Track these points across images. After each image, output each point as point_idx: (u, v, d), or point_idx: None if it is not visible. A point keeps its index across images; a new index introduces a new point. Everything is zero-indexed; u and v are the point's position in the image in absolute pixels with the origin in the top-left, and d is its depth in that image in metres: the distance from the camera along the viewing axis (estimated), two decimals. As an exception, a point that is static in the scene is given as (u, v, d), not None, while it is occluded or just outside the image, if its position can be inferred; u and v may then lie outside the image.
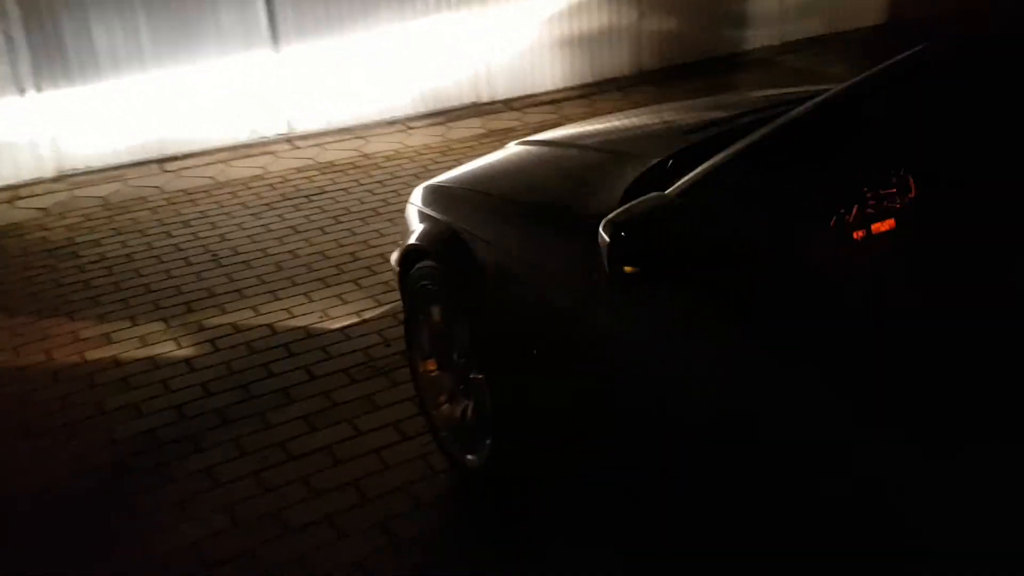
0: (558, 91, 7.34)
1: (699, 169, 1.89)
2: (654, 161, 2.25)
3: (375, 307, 4.06)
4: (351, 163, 6.04)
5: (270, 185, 5.73)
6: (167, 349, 3.83)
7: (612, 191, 2.26)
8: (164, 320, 4.08)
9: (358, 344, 3.76)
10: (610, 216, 1.79)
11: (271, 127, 6.53)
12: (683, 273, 1.78)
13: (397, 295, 4.06)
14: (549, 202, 2.51)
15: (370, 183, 5.66)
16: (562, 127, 3.42)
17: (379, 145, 6.36)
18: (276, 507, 2.86)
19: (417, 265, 2.84)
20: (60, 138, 5.95)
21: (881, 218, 1.85)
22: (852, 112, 1.89)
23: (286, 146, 6.43)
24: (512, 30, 7.08)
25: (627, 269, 1.76)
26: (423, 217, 2.91)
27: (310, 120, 6.62)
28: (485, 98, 7.14)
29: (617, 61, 7.57)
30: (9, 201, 5.64)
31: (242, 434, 3.24)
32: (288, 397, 3.44)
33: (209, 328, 3.98)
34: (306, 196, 5.50)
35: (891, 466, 1.65)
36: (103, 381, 3.63)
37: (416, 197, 3.04)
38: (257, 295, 4.26)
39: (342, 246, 4.75)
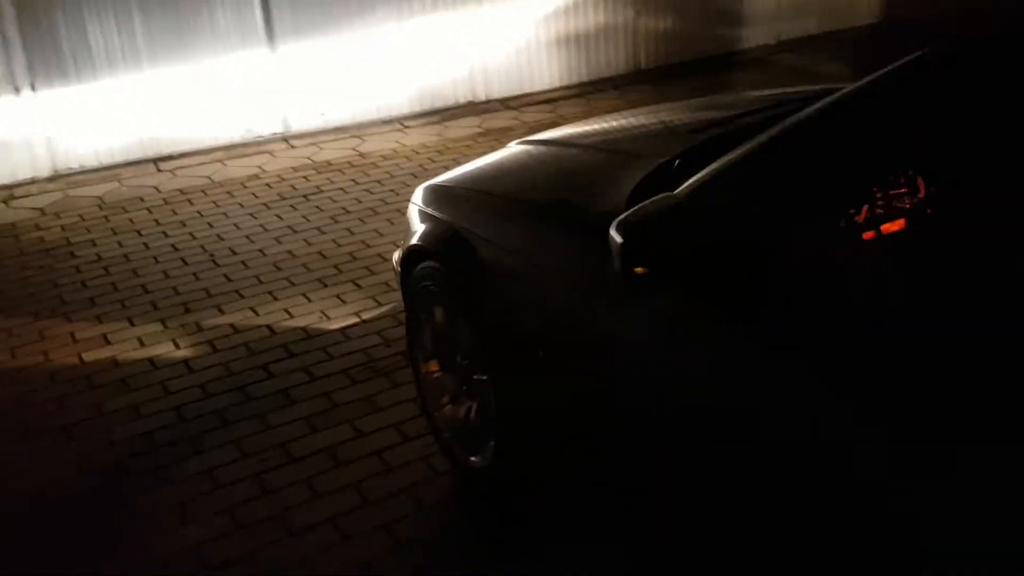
0: (554, 90, 7.33)
1: (708, 169, 1.88)
2: (660, 161, 2.24)
3: (375, 307, 4.04)
4: (348, 162, 6.02)
5: (267, 184, 5.71)
6: (165, 350, 3.81)
7: (618, 191, 2.24)
8: (162, 321, 4.05)
9: (358, 344, 3.74)
10: (622, 217, 1.78)
11: (267, 126, 6.51)
12: (694, 274, 1.77)
13: (397, 295, 4.05)
14: (554, 201, 2.50)
15: (367, 182, 5.63)
16: (562, 126, 3.41)
17: (376, 144, 6.35)
18: (278, 509, 2.85)
19: (419, 266, 2.82)
20: (55, 137, 5.92)
21: (891, 218, 1.85)
22: (861, 113, 1.88)
23: (282, 145, 6.41)
24: (508, 29, 7.06)
25: (637, 270, 1.75)
26: (425, 217, 2.89)
27: (306, 119, 6.60)
28: (481, 97, 7.12)
29: (613, 60, 7.56)
30: (4, 201, 5.61)
31: (242, 436, 3.22)
32: (288, 398, 3.42)
33: (207, 328, 3.96)
34: (303, 195, 5.48)
35: (896, 466, 1.64)
36: (101, 382, 3.61)
37: (418, 197, 3.02)
38: (255, 295, 4.24)
39: (340, 246, 4.73)
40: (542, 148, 3.05)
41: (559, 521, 2.71)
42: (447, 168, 5.67)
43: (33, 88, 5.77)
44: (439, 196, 2.92)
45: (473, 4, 6.87)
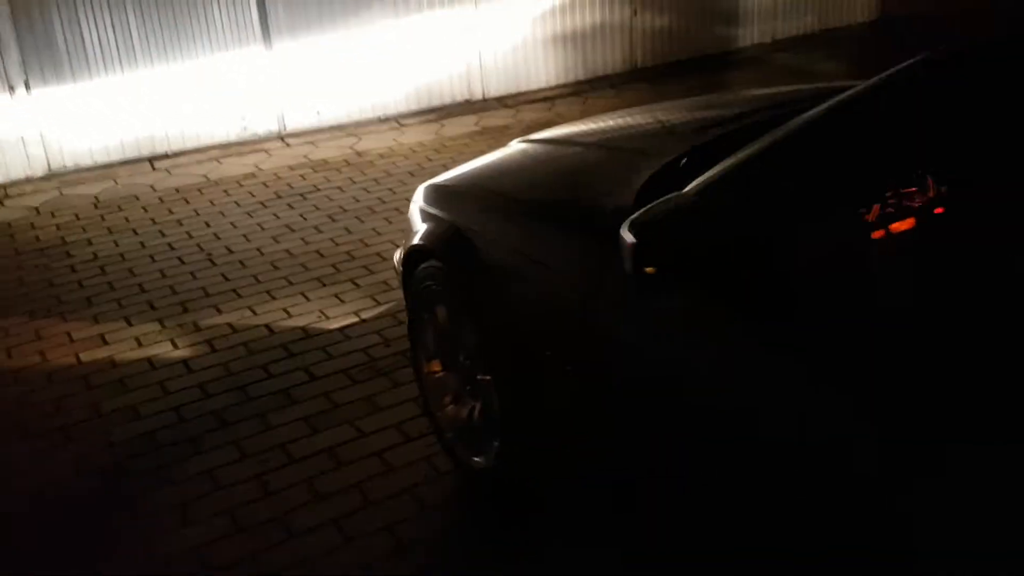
0: (551, 88, 7.32)
1: (718, 168, 1.87)
2: (667, 159, 2.22)
3: (374, 306, 4.02)
4: (345, 160, 5.99)
5: (263, 183, 5.68)
6: (163, 350, 3.78)
7: (624, 189, 2.23)
8: (159, 320, 4.03)
9: (358, 344, 3.72)
10: (634, 216, 1.77)
11: (263, 124, 6.48)
12: (706, 273, 1.76)
13: (396, 294, 4.04)
14: (559, 200, 2.48)
15: (364, 181, 5.61)
16: (563, 125, 3.39)
17: (372, 142, 6.32)
18: (279, 511, 2.82)
19: (422, 265, 2.80)
20: (50, 136, 5.89)
21: (901, 217, 1.84)
22: (873, 112, 1.87)
23: (278, 143, 6.38)
24: (505, 27, 7.05)
25: (648, 270, 1.73)
26: (427, 216, 2.87)
27: (302, 117, 6.58)
28: (478, 95, 7.10)
29: (610, 58, 7.55)
30: (-1, 200, 5.59)
31: (242, 436, 3.19)
32: (288, 398, 3.40)
33: (205, 328, 3.93)
34: (300, 194, 5.45)
35: (900, 465, 1.64)
36: (99, 382, 3.58)
37: (419, 196, 3.00)
38: (253, 294, 4.22)
39: (338, 244, 4.71)
40: (544, 147, 3.03)
41: (562, 522, 2.70)
42: (444, 166, 5.67)
43: (27, 86, 5.73)
44: (441, 195, 2.91)
45: (469, 2, 6.85)
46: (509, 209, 2.60)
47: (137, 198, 5.52)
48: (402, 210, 5.07)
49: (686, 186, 1.96)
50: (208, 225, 5.07)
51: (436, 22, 6.78)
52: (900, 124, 1.85)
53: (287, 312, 4.03)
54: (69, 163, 5.97)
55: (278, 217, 5.12)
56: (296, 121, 6.56)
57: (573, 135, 3.11)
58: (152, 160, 6.11)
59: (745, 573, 2.01)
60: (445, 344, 2.86)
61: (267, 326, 3.91)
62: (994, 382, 1.58)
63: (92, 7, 5.79)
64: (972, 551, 1.57)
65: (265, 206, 5.30)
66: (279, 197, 5.43)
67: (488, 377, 2.57)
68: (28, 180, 5.83)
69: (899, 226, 1.84)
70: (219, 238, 4.88)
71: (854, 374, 1.67)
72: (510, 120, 6.69)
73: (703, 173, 1.98)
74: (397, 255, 3.12)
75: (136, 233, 5.01)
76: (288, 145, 6.35)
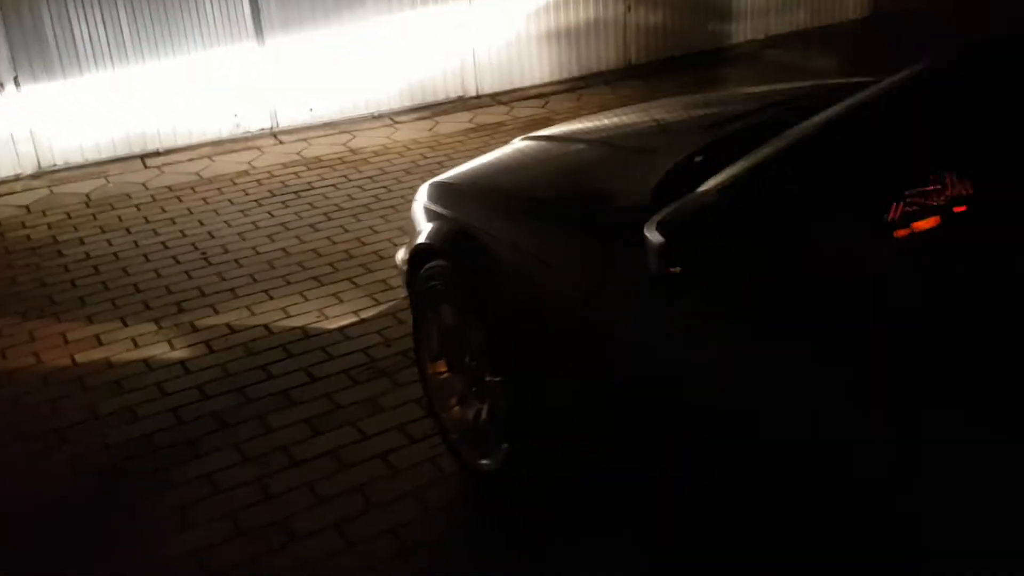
0: (545, 85, 7.28)
1: (738, 167, 1.84)
2: (681, 156, 2.19)
3: (373, 306, 3.98)
4: (339, 158, 5.94)
5: (256, 181, 5.62)
6: (160, 351, 3.73)
7: (635, 186, 2.20)
8: (155, 320, 3.97)
9: (358, 344, 3.67)
10: (659, 216, 1.73)
11: (255, 121, 6.42)
12: (733, 273, 1.72)
13: (396, 293, 4.01)
14: (569, 198, 2.45)
15: (359, 179, 5.56)
16: (567, 123, 3.36)
17: (366, 140, 6.27)
18: (281, 514, 2.78)
19: (427, 264, 2.76)
20: (40, 133, 5.81)
21: (924, 216, 1.82)
22: (896, 111, 1.85)
23: (271, 141, 6.32)
24: (499, 23, 7.00)
25: (673, 269, 1.70)
26: (431, 215, 2.83)
27: (295, 114, 6.52)
28: (472, 92, 7.06)
29: (604, 55, 7.51)
30: (-12, 198, 5.51)
31: (242, 439, 3.15)
32: (288, 400, 3.35)
33: (203, 328, 3.88)
34: (294, 192, 5.40)
35: (904, 464, 1.62)
36: (95, 384, 3.53)
37: (422, 194, 2.96)
38: (250, 294, 4.16)
39: (335, 243, 4.66)
40: (549, 144, 3.00)
41: (570, 525, 2.66)
42: (440, 164, 5.64)
43: (17, 83, 5.66)
44: (445, 193, 2.87)
45: (463, -2, 6.81)
46: (519, 207, 2.56)
47: (129, 196, 5.45)
48: (398, 208, 5.03)
49: (703, 183, 1.93)
50: (202, 224, 5.01)
51: (430, 18, 6.73)
52: (924, 122, 1.83)
53: (285, 312, 3.98)
54: (59, 161, 5.90)
55: (273, 215, 5.07)
56: (289, 118, 6.50)
57: (577, 132, 3.08)
58: (144, 158, 6.04)
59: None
60: (450, 344, 2.82)
61: (265, 326, 3.86)
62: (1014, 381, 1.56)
63: (82, 2, 5.71)
64: (984, 552, 1.56)
65: (259, 204, 5.24)
66: (273, 195, 5.37)
67: (496, 378, 2.53)
68: (18, 178, 5.76)
69: (922, 224, 1.82)
70: (213, 237, 4.82)
71: (882, 375, 1.65)
72: (504, 117, 6.66)
73: (719, 170, 1.95)
74: (400, 254, 3.07)
75: (129, 232, 4.94)
76: (281, 142, 6.29)
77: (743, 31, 8.19)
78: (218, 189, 5.50)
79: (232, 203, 5.28)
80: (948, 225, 1.81)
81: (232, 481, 2.94)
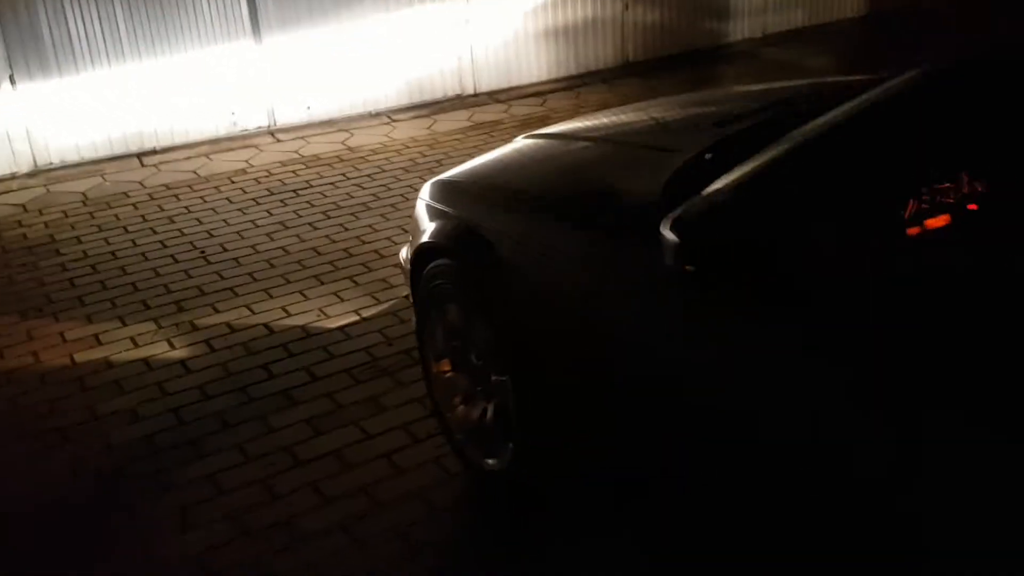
0: (543, 83, 7.27)
1: (751, 166, 1.82)
2: (690, 154, 2.17)
3: (374, 304, 3.96)
4: (337, 156, 5.91)
5: (254, 179, 5.60)
6: (160, 350, 3.70)
7: (643, 183, 2.19)
8: (155, 320, 3.94)
9: (359, 343, 3.65)
10: (676, 215, 1.72)
11: (252, 120, 6.39)
12: (743, 271, 1.71)
13: (396, 292, 3.99)
14: (581, 195, 2.42)
15: (358, 177, 5.54)
16: (569, 121, 3.34)
17: (364, 138, 6.25)
18: (286, 515, 2.76)
19: (431, 263, 2.74)
20: (36, 131, 5.77)
21: (936, 214, 1.81)
22: (908, 110, 1.84)
23: (268, 139, 6.30)
24: (497, 21, 6.98)
25: (687, 268, 1.69)
26: (436, 213, 2.81)
27: (292, 112, 6.49)
28: (470, 90, 7.04)
29: (602, 53, 7.50)
30: (-16, 197, 5.47)
31: (244, 439, 3.12)
32: (290, 399, 3.33)
33: (203, 328, 3.85)
34: (293, 190, 5.37)
35: (905, 464, 1.61)
36: (94, 384, 3.50)
37: (426, 193, 2.94)
38: (250, 293, 4.14)
39: (334, 242, 4.64)
40: (553, 142, 2.98)
41: (576, 525, 2.65)
42: (439, 162, 5.62)
43: (12, 81, 5.62)
44: (449, 192, 2.85)
45: (461, -4, 6.79)
46: (526, 205, 2.54)
47: (126, 195, 5.42)
48: (398, 206, 5.01)
49: (713, 181, 1.92)
50: (200, 222, 4.98)
51: (428, 16, 6.71)
52: (937, 122, 1.82)
53: (286, 311, 3.95)
54: (55, 159, 5.86)
55: (271, 214, 5.04)
56: (286, 116, 6.47)
57: (581, 130, 3.06)
58: (140, 156, 6.01)
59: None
60: (455, 343, 2.80)
61: (266, 325, 3.84)
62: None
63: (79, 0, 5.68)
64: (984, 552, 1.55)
65: (258, 203, 5.21)
66: (271, 193, 5.34)
67: (504, 377, 2.51)
68: (13, 177, 5.72)
69: (935, 222, 1.81)
70: (212, 235, 4.79)
71: (897, 374, 1.64)
72: (502, 115, 6.64)
73: (728, 168, 1.94)
74: (403, 253, 3.05)
75: (127, 231, 4.92)
76: (278, 140, 6.26)
77: (741, 29, 8.19)
78: (216, 187, 5.48)
79: (230, 201, 5.25)
80: (960, 223, 1.81)
81: (236, 481, 2.92)
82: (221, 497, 2.86)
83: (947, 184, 1.82)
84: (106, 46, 5.81)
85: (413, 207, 3.04)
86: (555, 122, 3.32)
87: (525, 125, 6.18)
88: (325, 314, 3.90)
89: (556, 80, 7.30)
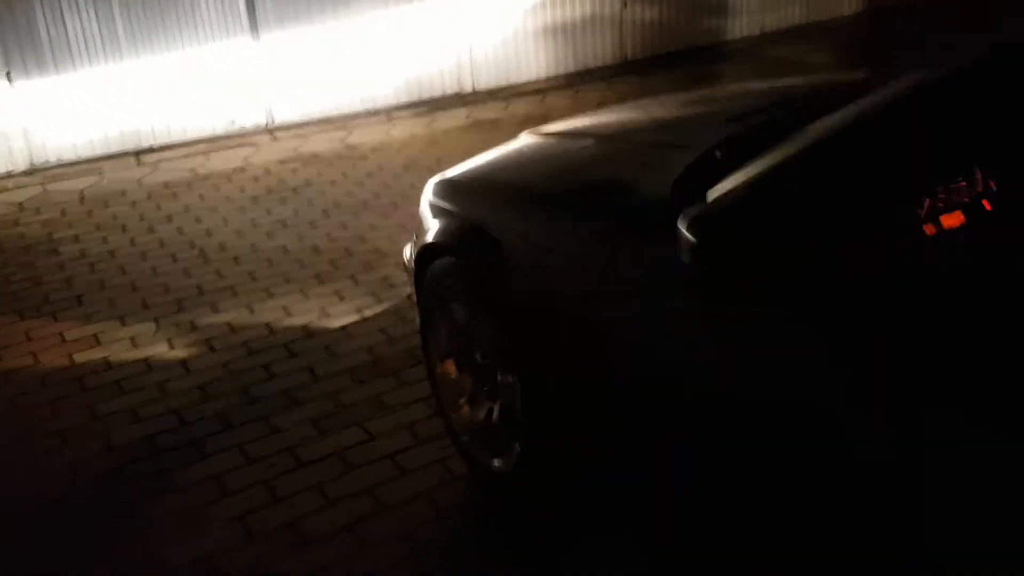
0: (542, 81, 7.24)
1: (765, 164, 1.80)
2: (700, 152, 2.15)
3: (376, 303, 3.93)
4: (336, 154, 5.89)
5: (253, 178, 5.57)
6: (160, 350, 3.67)
7: (654, 181, 2.16)
8: (154, 320, 3.91)
9: (361, 343, 3.63)
10: (693, 214, 1.70)
11: (251, 118, 6.35)
12: (762, 271, 1.69)
13: (398, 291, 3.96)
14: (587, 193, 2.40)
15: (358, 175, 5.51)
16: (571, 118, 3.32)
17: (363, 136, 6.22)
18: (290, 517, 2.73)
19: (436, 262, 2.72)
20: (32, 130, 5.73)
21: (951, 211, 1.80)
22: (923, 109, 1.82)
23: (267, 137, 6.26)
24: (496, 19, 6.96)
25: (704, 267, 1.67)
26: (439, 212, 2.79)
27: (291, 110, 6.46)
28: (469, 88, 7.01)
29: (601, 51, 7.48)
30: (-20, 196, 5.43)
31: (246, 440, 3.10)
32: (292, 400, 3.30)
33: (203, 327, 3.83)
34: (292, 189, 5.35)
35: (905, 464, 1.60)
36: (94, 384, 3.47)
37: (429, 191, 2.92)
38: (250, 292, 4.11)
39: (334, 240, 4.61)
40: (557, 139, 2.96)
41: (583, 525, 2.63)
42: (439, 160, 5.59)
43: (9, 79, 5.58)
44: (453, 190, 2.82)
45: (459, -7, 6.76)
46: (532, 202, 2.52)
47: (124, 193, 5.39)
48: (398, 204, 4.99)
49: (723, 178, 1.90)
50: (199, 221, 4.95)
51: (426, 14, 6.68)
52: (953, 119, 1.80)
53: (286, 310, 3.93)
54: (52, 158, 5.82)
55: (270, 213, 5.01)
56: (284, 114, 6.44)
57: (586, 128, 3.04)
58: (138, 154, 5.97)
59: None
60: (460, 343, 2.77)
61: (267, 325, 3.81)
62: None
63: (75, -3, 5.65)
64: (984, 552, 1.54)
65: (256, 201, 5.18)
66: (270, 192, 5.32)
67: (511, 377, 2.49)
68: (10, 175, 5.68)
69: (951, 221, 1.79)
70: (211, 234, 4.76)
71: (913, 373, 1.62)
72: (501, 113, 6.61)
73: (738, 165, 1.92)
74: (407, 252, 3.03)
75: (125, 230, 4.88)
76: (276, 139, 6.23)
77: (739, 27, 8.17)
78: (214, 186, 5.45)
79: (229, 200, 5.22)
80: (976, 221, 1.79)
81: (239, 483, 2.89)
82: (224, 499, 2.84)
83: (961, 183, 1.81)
84: (103, 44, 5.77)
85: (413, 205, 3.02)
86: (554, 120, 3.30)
87: (524, 123, 6.14)
88: (326, 313, 3.88)
89: (555, 78, 7.28)
